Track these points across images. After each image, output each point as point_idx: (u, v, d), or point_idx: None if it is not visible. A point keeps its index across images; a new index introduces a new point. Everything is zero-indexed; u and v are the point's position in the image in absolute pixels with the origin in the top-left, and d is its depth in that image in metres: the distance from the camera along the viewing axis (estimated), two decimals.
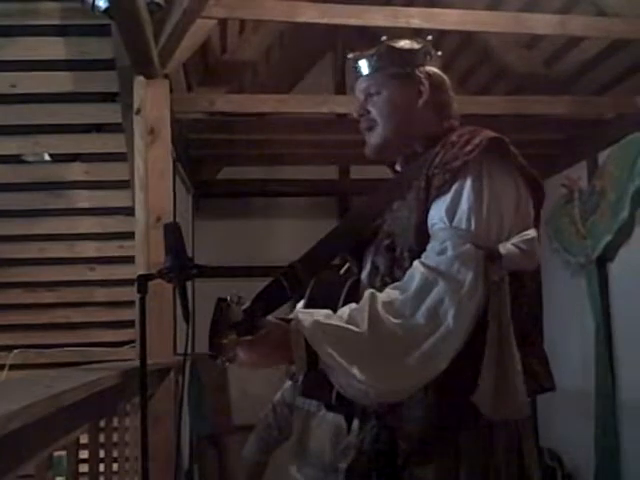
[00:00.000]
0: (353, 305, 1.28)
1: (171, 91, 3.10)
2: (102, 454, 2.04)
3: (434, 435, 1.30)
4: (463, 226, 1.29)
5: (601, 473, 3.89)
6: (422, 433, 1.31)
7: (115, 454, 2.24)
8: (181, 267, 1.45)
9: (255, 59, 4.62)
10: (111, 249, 3.80)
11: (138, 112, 2.95)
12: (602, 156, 4.12)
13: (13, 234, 3.71)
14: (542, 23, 3.39)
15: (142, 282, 1.53)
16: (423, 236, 1.33)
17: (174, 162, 3.61)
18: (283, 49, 5.06)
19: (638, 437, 3.70)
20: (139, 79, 2.94)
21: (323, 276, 1.45)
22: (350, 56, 1.56)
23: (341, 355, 1.21)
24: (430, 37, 1.56)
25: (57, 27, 3.15)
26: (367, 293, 1.28)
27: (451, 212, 1.31)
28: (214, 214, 5.21)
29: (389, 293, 1.28)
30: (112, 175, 3.59)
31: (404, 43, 1.51)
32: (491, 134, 1.36)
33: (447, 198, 1.32)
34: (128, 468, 2.46)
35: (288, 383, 2.80)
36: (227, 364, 1.28)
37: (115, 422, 2.23)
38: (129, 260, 3.14)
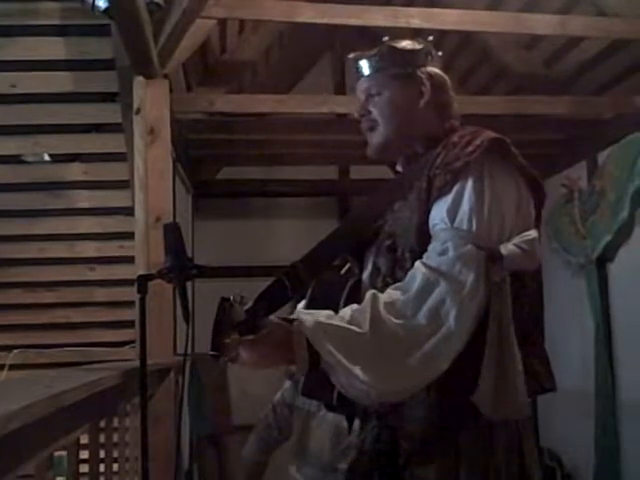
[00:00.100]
0: (355, 306, 1.28)
1: (171, 91, 3.10)
2: (102, 454, 2.04)
3: (436, 435, 1.30)
4: (464, 227, 1.29)
5: (601, 473, 3.88)
6: (424, 433, 1.31)
7: (115, 454, 2.24)
8: (181, 267, 1.45)
9: (254, 59, 4.61)
10: (111, 249, 3.80)
11: (138, 112, 2.95)
12: (602, 156, 4.12)
13: (13, 234, 3.71)
14: (542, 23, 3.39)
15: (142, 282, 1.54)
16: (424, 237, 1.33)
17: (174, 162, 3.60)
18: (283, 49, 5.06)
19: (638, 437, 3.69)
20: (139, 79, 2.94)
21: (324, 276, 1.45)
22: (351, 56, 1.55)
23: (343, 355, 1.21)
24: (431, 37, 1.56)
25: (57, 27, 3.16)
26: (369, 294, 1.28)
27: (452, 213, 1.31)
28: (214, 214, 5.20)
29: (391, 294, 1.28)
30: (112, 175, 3.59)
31: (406, 43, 1.50)
32: (492, 135, 1.36)
33: (448, 199, 1.32)
34: (128, 468, 2.46)
35: (288, 383, 2.81)
36: (229, 364, 1.29)
37: (115, 422, 2.24)
38: (129, 260, 3.14)
